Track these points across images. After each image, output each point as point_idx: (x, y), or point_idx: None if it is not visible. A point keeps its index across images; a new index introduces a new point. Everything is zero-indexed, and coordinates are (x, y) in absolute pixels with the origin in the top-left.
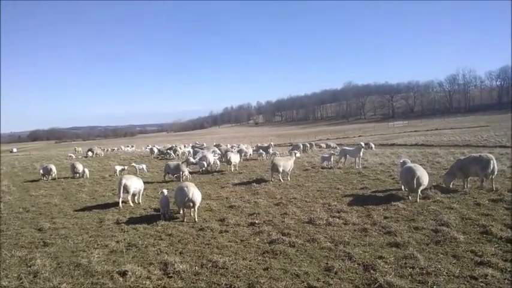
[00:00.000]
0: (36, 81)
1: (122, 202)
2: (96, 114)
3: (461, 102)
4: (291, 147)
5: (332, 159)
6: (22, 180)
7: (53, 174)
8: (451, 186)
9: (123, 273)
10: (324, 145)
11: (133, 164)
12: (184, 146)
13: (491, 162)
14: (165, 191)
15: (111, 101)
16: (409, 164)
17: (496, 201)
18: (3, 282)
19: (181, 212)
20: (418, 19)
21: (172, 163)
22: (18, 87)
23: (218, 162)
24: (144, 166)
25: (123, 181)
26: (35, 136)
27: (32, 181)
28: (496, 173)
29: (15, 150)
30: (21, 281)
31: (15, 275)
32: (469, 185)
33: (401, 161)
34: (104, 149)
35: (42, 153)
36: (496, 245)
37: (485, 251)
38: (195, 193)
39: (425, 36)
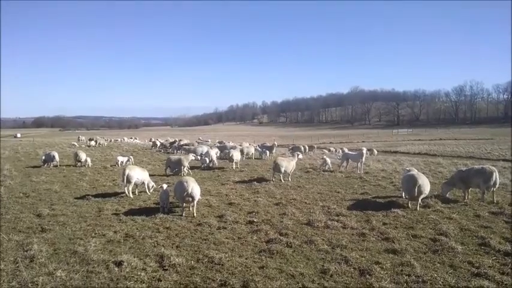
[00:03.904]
0: (45, 70)
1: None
2: (101, 106)
3: (467, 113)
4: (291, 149)
5: (329, 161)
6: (24, 165)
7: (55, 162)
8: (447, 195)
9: (119, 263)
10: (333, 149)
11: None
12: (187, 141)
13: (494, 174)
14: (165, 185)
15: (117, 93)
16: (412, 172)
17: (496, 214)
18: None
19: (180, 206)
20: (429, 29)
21: (173, 157)
22: (26, 74)
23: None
24: (131, 158)
25: (126, 171)
26: (39, 123)
27: (34, 167)
28: (497, 185)
29: (19, 135)
30: (17, 265)
31: (12, 258)
32: (469, 196)
33: (406, 168)
34: (107, 139)
35: (46, 140)
36: (493, 258)
37: (483, 262)
38: (194, 188)
39: (434, 46)
